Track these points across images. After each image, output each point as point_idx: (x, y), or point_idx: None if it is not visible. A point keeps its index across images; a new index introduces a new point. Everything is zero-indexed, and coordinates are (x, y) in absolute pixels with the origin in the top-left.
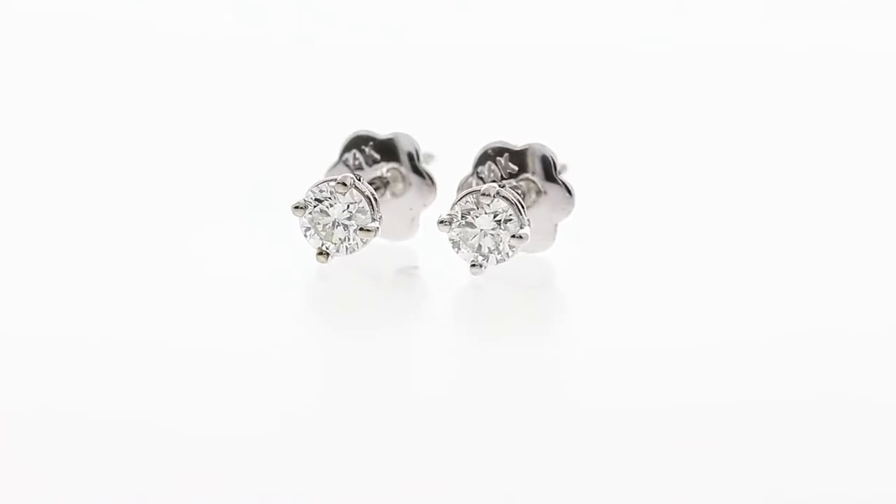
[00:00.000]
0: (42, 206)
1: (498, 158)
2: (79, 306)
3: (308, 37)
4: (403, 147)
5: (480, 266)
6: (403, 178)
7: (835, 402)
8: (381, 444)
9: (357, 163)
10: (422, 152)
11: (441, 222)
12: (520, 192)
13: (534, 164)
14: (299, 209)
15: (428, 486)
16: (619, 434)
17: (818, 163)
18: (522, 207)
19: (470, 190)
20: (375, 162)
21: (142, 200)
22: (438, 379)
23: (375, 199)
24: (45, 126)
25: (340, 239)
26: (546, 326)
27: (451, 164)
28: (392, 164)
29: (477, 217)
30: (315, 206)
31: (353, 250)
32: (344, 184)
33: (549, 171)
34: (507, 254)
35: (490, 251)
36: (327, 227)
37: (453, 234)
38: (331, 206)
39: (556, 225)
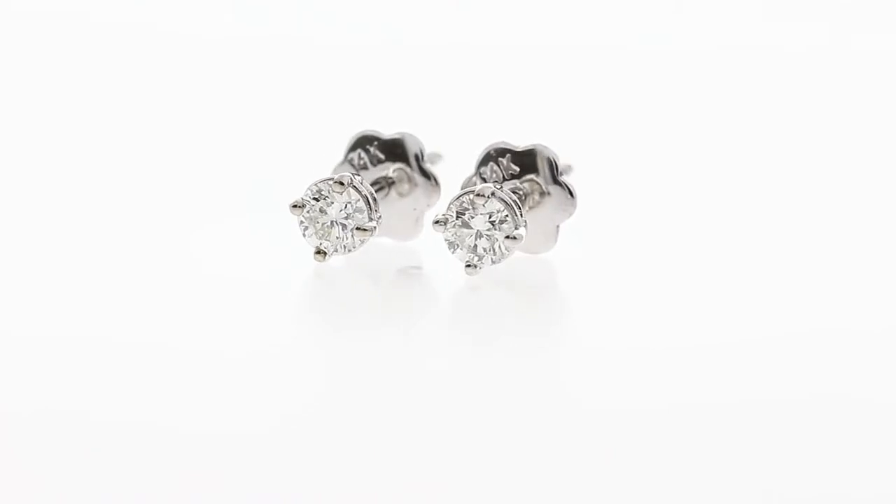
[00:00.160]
0: (42, 205)
1: (500, 159)
2: (79, 306)
3: (309, 36)
4: (408, 147)
5: (475, 267)
6: (409, 179)
7: (835, 402)
8: (381, 445)
9: (362, 162)
10: (429, 152)
11: (436, 222)
12: (522, 193)
13: (536, 165)
14: (297, 208)
15: (428, 487)
16: (620, 434)
17: (818, 164)
18: (519, 208)
19: (465, 190)
20: (380, 162)
21: (142, 200)
22: (439, 379)
23: (374, 199)
24: (46, 126)
25: (338, 238)
26: (547, 327)
27: (456, 165)
28: (398, 165)
29: (472, 218)
30: (313, 205)
31: (351, 250)
32: (341, 183)
33: (551, 172)
34: (502, 255)
35: (485, 252)
36: (325, 226)
37: (449, 234)
38: (329, 205)
39: (557, 226)
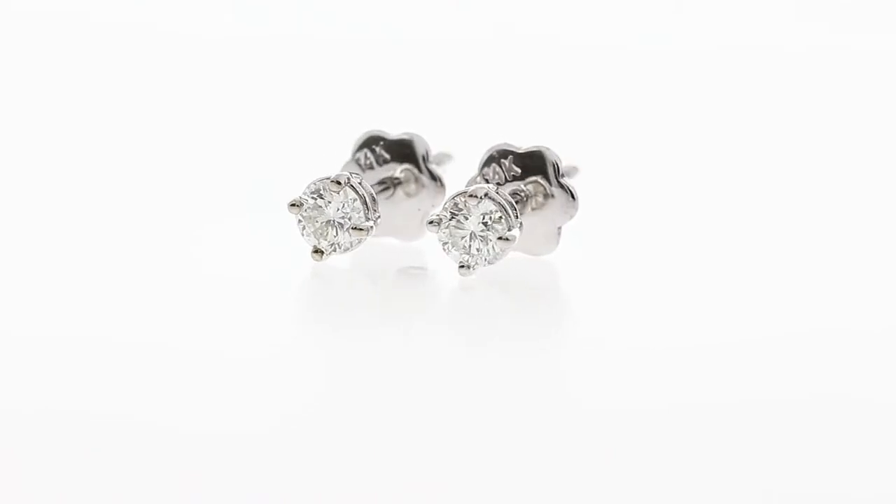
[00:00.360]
0: (42, 205)
1: (502, 160)
2: (79, 306)
3: (309, 36)
4: (414, 148)
5: (469, 267)
6: (416, 179)
7: (835, 402)
8: (381, 445)
9: (368, 162)
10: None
11: (430, 223)
12: (523, 194)
13: (539, 167)
14: (295, 206)
15: (428, 487)
16: (621, 434)
17: (818, 165)
18: (514, 210)
19: (460, 191)
20: (386, 162)
21: (142, 200)
22: (439, 379)
23: (373, 199)
24: (46, 126)
25: (335, 237)
26: (548, 328)
27: (462, 165)
28: (406, 165)
29: (466, 218)
30: (311, 204)
31: (348, 249)
32: (338, 182)
33: (554, 174)
34: (496, 256)
35: (479, 252)
36: (322, 225)
37: (442, 234)
38: (326, 204)
39: (559, 228)
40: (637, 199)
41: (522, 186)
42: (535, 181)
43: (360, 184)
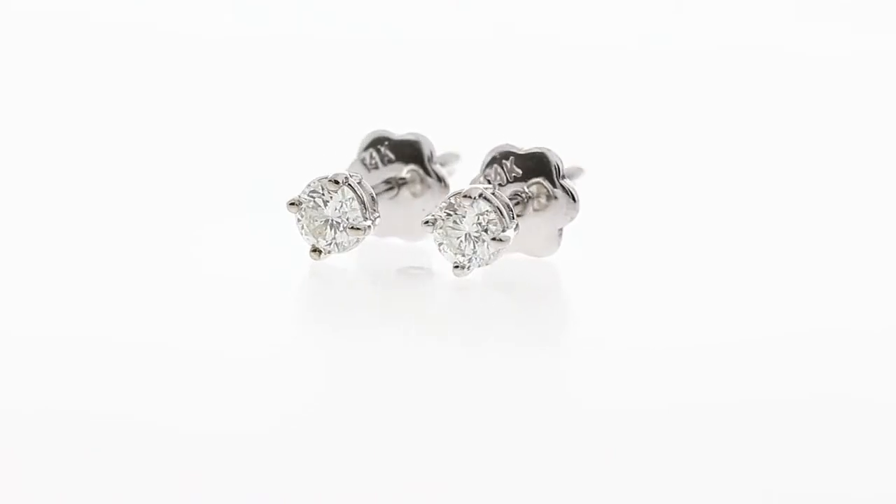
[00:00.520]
0: (42, 205)
1: (504, 161)
2: (79, 306)
3: (309, 36)
4: (418, 148)
5: (463, 268)
6: (422, 180)
7: (835, 402)
8: (381, 445)
9: (374, 162)
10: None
11: (425, 223)
12: (524, 196)
13: (540, 168)
14: (294, 205)
15: (428, 487)
16: (621, 434)
17: (819, 166)
18: (510, 211)
19: (455, 191)
20: (391, 162)
21: (142, 200)
22: (439, 379)
23: (373, 199)
24: (46, 126)
25: (333, 237)
26: (548, 329)
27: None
28: (412, 166)
29: (462, 219)
30: (310, 203)
31: (345, 248)
32: (336, 181)
33: (555, 175)
34: (490, 256)
35: (473, 253)
36: (320, 224)
37: (437, 234)
38: (325, 203)
39: (560, 230)
40: (638, 199)
41: (525, 188)
42: (538, 183)
43: (358, 184)
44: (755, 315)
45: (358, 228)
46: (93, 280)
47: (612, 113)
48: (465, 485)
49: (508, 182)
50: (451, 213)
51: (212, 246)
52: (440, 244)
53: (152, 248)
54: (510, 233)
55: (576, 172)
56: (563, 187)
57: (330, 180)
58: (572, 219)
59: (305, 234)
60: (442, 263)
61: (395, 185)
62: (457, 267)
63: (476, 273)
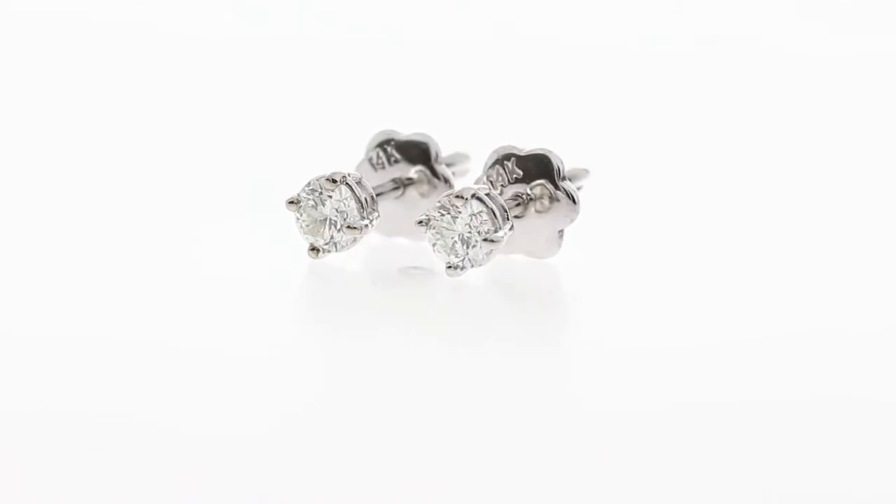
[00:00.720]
0: (42, 205)
1: (506, 162)
2: (79, 306)
3: (309, 36)
4: (424, 149)
5: (456, 268)
6: (429, 180)
7: (835, 402)
8: (381, 445)
9: (380, 161)
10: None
11: (419, 222)
12: (525, 197)
13: (541, 169)
14: (293, 204)
15: (428, 487)
16: (621, 434)
17: (819, 167)
18: (504, 211)
19: (449, 191)
20: (397, 162)
21: (142, 200)
22: (439, 379)
23: (372, 199)
24: (46, 126)
25: (331, 236)
26: (548, 329)
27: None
28: (420, 166)
29: (455, 218)
30: (308, 202)
31: (343, 248)
32: (333, 180)
33: (555, 177)
34: (484, 257)
35: (466, 253)
36: (319, 223)
37: (431, 234)
38: (323, 202)
39: (560, 231)
40: (639, 201)
41: (528, 190)
42: (542, 184)
43: (357, 183)
44: (755, 315)
45: (354, 228)
46: (93, 280)
47: (613, 113)
48: (466, 485)
49: (510, 183)
50: (445, 212)
51: (212, 246)
52: (434, 244)
53: (152, 247)
54: (502, 234)
55: (581, 174)
56: (563, 189)
57: (327, 179)
58: (572, 221)
59: (304, 233)
60: (442, 263)
61: (401, 184)
62: (450, 267)
63: (476, 274)
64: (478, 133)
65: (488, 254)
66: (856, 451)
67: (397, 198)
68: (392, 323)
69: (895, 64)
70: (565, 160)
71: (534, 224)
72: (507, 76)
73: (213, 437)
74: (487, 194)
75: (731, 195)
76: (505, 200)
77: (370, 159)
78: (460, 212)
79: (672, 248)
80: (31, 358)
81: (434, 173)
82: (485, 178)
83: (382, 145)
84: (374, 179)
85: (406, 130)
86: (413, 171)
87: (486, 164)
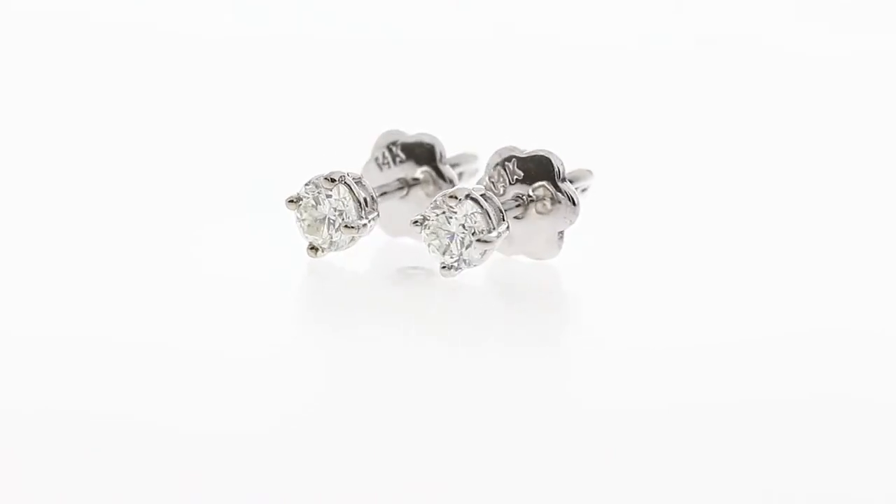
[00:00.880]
0: (42, 205)
1: (507, 164)
2: (79, 306)
3: (309, 36)
4: (429, 149)
5: (450, 268)
6: (434, 181)
7: (835, 402)
8: (381, 445)
9: (386, 161)
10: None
11: (414, 222)
12: (526, 198)
13: (540, 171)
14: (292, 202)
15: (428, 487)
16: (622, 434)
17: (819, 168)
18: (498, 212)
19: (444, 192)
20: (402, 162)
21: (142, 200)
22: (439, 379)
23: (372, 199)
24: (46, 126)
25: (329, 235)
26: (548, 330)
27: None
28: (426, 167)
29: (450, 219)
30: (308, 201)
31: (341, 247)
32: (332, 179)
33: (555, 178)
34: (478, 257)
35: (461, 254)
36: (318, 222)
37: (426, 234)
38: (322, 201)
39: (560, 233)
40: (639, 201)
41: (530, 191)
42: (543, 185)
43: (357, 183)
44: (755, 316)
45: (352, 227)
46: (93, 280)
47: (613, 113)
48: (466, 485)
49: (511, 184)
50: (440, 213)
51: (212, 246)
52: (429, 244)
53: (152, 247)
54: (495, 234)
55: (584, 175)
56: (563, 191)
57: (326, 178)
58: (572, 222)
59: (305, 233)
60: (436, 264)
61: (406, 185)
62: (444, 267)
63: (476, 274)
64: (484, 133)
65: (483, 254)
66: (856, 451)
67: (402, 198)
68: (392, 323)
69: (895, 64)
70: (567, 161)
71: (534, 225)
72: (513, 76)
73: (214, 437)
74: (482, 195)
75: (731, 195)
76: (506, 201)
77: (376, 159)
78: (455, 212)
79: (672, 249)
80: (31, 358)
81: (439, 174)
82: (486, 179)
83: (388, 145)
84: (379, 179)
85: (412, 130)
86: (419, 172)
87: (487, 164)
